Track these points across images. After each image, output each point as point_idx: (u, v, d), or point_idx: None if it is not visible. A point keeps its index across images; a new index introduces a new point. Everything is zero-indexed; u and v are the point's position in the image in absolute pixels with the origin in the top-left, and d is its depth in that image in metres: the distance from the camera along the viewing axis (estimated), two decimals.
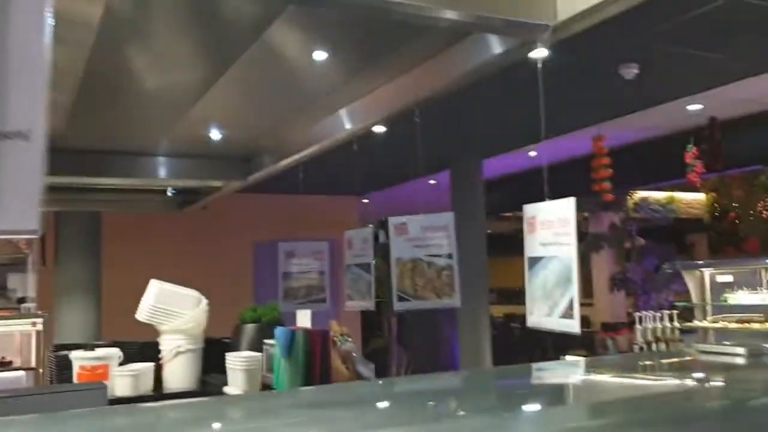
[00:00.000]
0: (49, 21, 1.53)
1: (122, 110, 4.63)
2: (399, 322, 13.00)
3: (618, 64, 5.55)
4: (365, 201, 14.88)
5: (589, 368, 2.10)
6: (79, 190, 7.50)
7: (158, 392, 4.86)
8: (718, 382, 1.89)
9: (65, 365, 4.88)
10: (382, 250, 6.71)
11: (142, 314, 5.07)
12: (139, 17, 3.37)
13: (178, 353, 5.16)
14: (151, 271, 5.64)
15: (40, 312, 6.31)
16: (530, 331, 3.62)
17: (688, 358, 2.40)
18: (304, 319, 6.07)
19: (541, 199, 3.49)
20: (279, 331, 5.23)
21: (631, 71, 5.54)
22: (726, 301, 6.97)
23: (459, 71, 3.34)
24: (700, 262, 7.88)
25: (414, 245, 4.65)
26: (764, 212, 12.33)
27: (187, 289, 5.26)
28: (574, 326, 2.97)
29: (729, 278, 7.05)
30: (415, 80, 3.52)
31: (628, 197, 13.30)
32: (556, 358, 3.78)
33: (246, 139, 5.31)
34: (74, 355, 4.81)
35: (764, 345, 1.91)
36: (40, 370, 5.43)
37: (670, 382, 1.94)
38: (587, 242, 13.96)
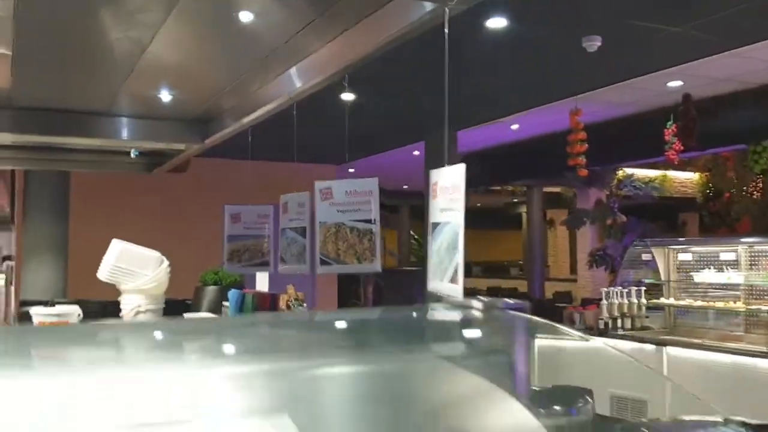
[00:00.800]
0: None
1: (71, 65, 4.57)
2: (375, 290, 13.03)
3: (581, 37, 5.47)
4: (351, 170, 14.84)
5: None
6: (47, 150, 7.42)
7: None
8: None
9: (27, 320, 4.91)
10: None
11: (102, 273, 5.06)
12: None
13: (139, 312, 5.16)
14: (119, 231, 5.62)
15: (4, 267, 6.33)
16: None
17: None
18: (262, 282, 6.07)
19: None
20: (231, 293, 5.27)
21: (593, 44, 5.45)
22: (693, 279, 6.95)
23: (389, 33, 3.26)
24: (668, 239, 7.84)
25: (338, 210, 4.61)
26: (755, 192, 12.27)
27: (149, 250, 5.23)
28: (457, 291, 2.97)
29: (691, 257, 7.02)
30: (358, 33, 3.45)
31: (615, 174, 13.25)
32: None
33: (198, 101, 5.26)
34: (34, 311, 4.84)
35: (508, 300, 1.93)
36: (6, 325, 5.49)
37: None
38: (570, 218, 13.93)
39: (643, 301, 7.14)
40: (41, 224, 8.78)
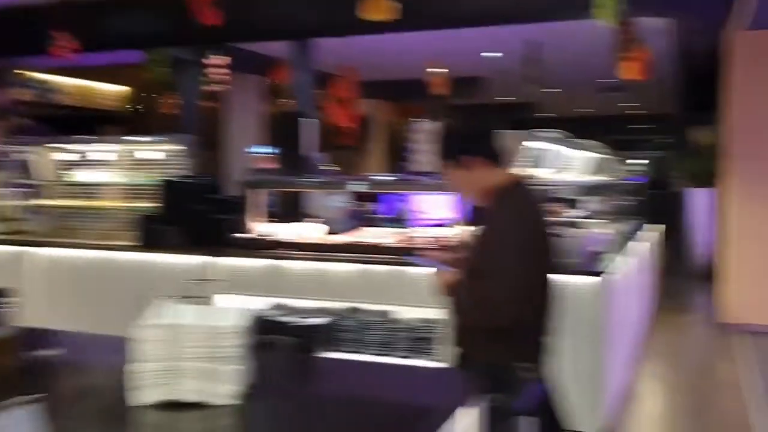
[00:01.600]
0: None
1: None
2: None
3: None
4: None
5: None
6: None
7: None
8: None
9: None
10: None
11: None
12: None
13: None
14: None
15: None
16: None
17: None
18: None
19: None
20: None
21: None
22: (72, 178, 6.83)
23: None
24: (44, 137, 7.56)
25: None
26: (164, 108, 11.72)
27: None
28: None
29: (71, 157, 6.92)
30: None
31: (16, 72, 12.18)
32: None
33: None
34: None
35: None
36: None
37: None
38: None
39: (25, 202, 6.82)
40: None
